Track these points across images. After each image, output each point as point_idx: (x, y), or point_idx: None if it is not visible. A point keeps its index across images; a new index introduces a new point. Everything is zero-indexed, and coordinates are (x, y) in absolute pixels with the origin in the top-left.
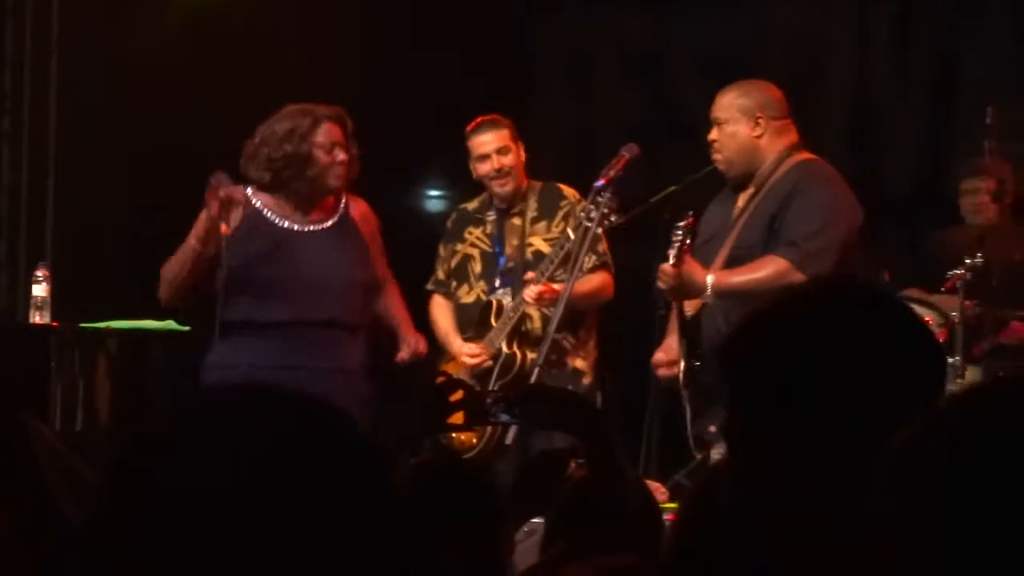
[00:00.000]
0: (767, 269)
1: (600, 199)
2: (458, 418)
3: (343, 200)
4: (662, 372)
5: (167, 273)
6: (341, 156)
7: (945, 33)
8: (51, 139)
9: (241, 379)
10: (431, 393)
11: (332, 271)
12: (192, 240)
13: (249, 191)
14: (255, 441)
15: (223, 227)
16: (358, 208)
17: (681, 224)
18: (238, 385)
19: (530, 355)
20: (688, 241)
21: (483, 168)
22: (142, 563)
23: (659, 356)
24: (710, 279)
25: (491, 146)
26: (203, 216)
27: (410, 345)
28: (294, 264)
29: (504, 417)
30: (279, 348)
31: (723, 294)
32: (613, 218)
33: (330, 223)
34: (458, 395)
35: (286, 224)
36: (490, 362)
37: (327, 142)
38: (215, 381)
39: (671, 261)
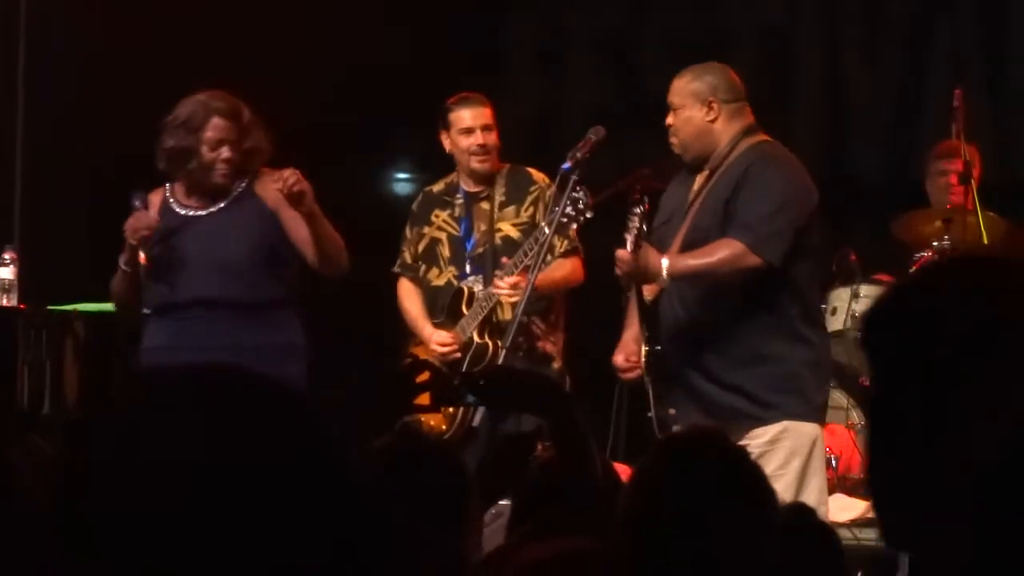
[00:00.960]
0: (721, 252)
1: (576, 194)
2: (425, 399)
3: (253, 176)
4: (627, 376)
5: (114, 296)
6: (226, 154)
7: (914, 17)
8: (18, 121)
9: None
10: (397, 374)
11: (219, 251)
12: (122, 265)
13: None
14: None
15: (142, 258)
16: (265, 180)
17: (636, 209)
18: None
19: (499, 344)
20: (643, 226)
21: (465, 142)
22: (97, 555)
23: (619, 359)
24: (664, 263)
25: (477, 121)
26: (127, 242)
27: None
28: (185, 247)
29: (471, 398)
30: (188, 330)
31: (678, 278)
32: (588, 214)
33: (224, 203)
34: (424, 376)
35: (183, 211)
36: (458, 352)
37: (214, 138)
38: (146, 365)
39: (628, 247)
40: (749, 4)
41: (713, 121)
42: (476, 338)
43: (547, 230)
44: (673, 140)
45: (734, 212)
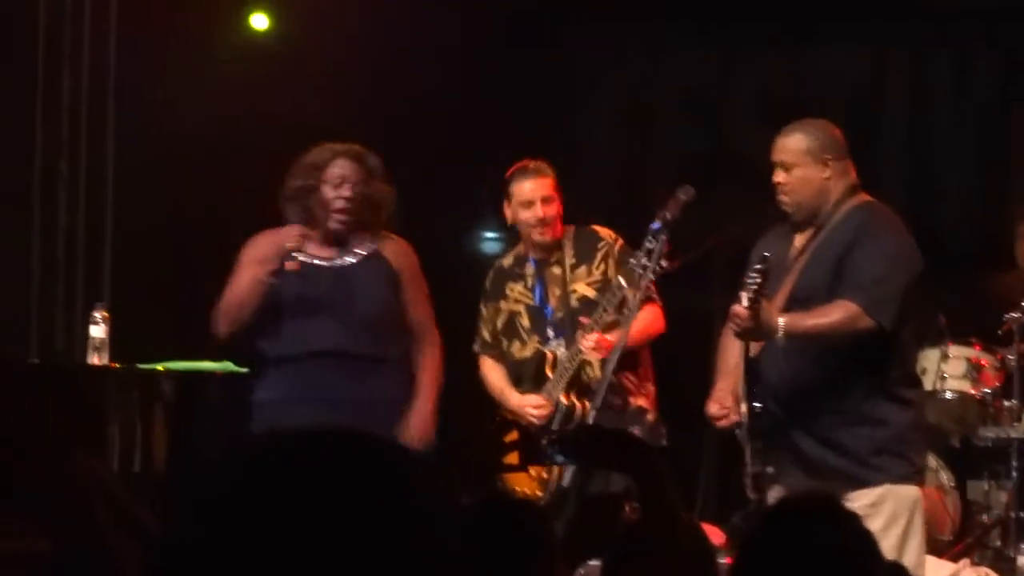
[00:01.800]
0: (837, 314)
1: (651, 243)
2: (514, 458)
3: (380, 238)
4: (720, 424)
5: (227, 306)
6: (346, 192)
7: (1000, 79)
8: (108, 181)
9: (281, 416)
10: (486, 433)
11: (349, 304)
12: (262, 277)
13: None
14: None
15: (290, 264)
16: (393, 247)
17: (757, 266)
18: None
19: (589, 404)
20: (762, 283)
21: (525, 215)
22: None
23: (714, 408)
24: (782, 322)
25: (536, 193)
26: (272, 252)
27: (407, 433)
28: (310, 296)
29: (559, 457)
30: (308, 381)
31: (794, 336)
32: (664, 263)
33: (354, 259)
34: (513, 435)
35: (311, 260)
36: (551, 413)
37: (336, 177)
38: (259, 420)
39: (744, 303)
40: (837, 62)
41: (829, 179)
42: (563, 400)
43: (622, 281)
44: (784, 199)
45: (846, 272)
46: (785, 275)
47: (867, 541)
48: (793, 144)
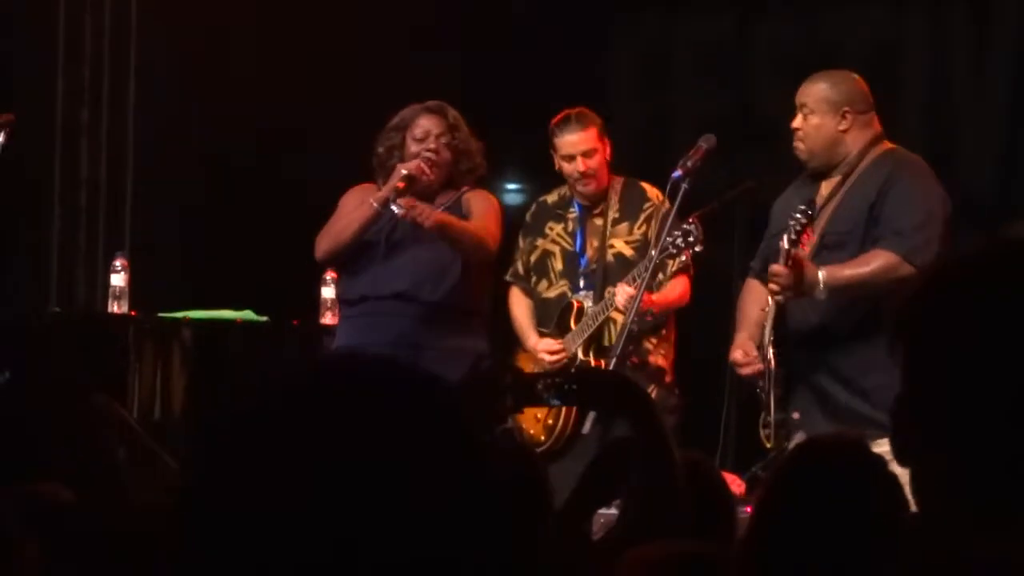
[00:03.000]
0: (877, 262)
1: (687, 226)
2: (509, 400)
3: (462, 191)
4: (744, 371)
5: (330, 228)
6: (431, 144)
7: (1021, 32)
8: (129, 131)
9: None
10: (482, 379)
11: (426, 252)
12: (372, 201)
13: None
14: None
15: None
16: (472, 194)
17: (799, 211)
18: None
19: (603, 364)
20: (806, 226)
21: (568, 168)
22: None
23: (738, 355)
24: (822, 275)
25: (578, 147)
26: (390, 184)
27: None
28: (391, 244)
29: (555, 400)
30: (380, 327)
31: (836, 289)
32: (698, 247)
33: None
34: (507, 378)
35: (397, 209)
36: (566, 359)
37: (420, 133)
38: None
39: (785, 246)
40: (856, 17)
41: (845, 131)
42: (580, 355)
43: (654, 254)
44: (799, 144)
45: (881, 217)
46: (813, 223)
47: (893, 486)
48: (815, 91)
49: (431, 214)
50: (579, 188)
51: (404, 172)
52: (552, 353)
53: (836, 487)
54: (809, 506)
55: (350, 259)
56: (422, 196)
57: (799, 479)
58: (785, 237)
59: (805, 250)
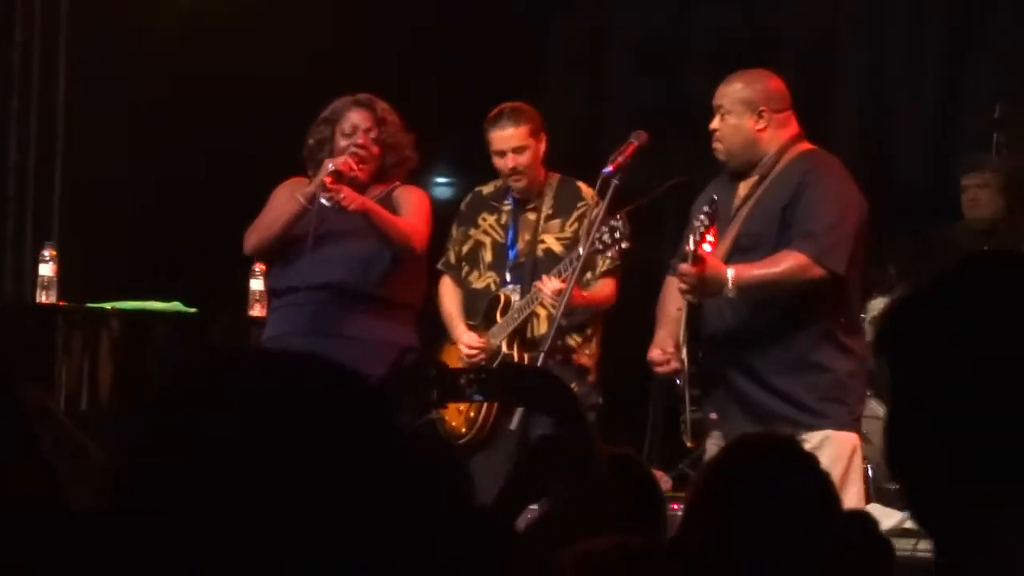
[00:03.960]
0: (787, 263)
1: (614, 222)
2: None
3: (392, 186)
4: (661, 370)
5: (259, 222)
6: (359, 140)
7: (954, 29)
8: (59, 119)
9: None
10: (406, 372)
11: (349, 242)
12: (299, 196)
13: None
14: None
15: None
16: (403, 190)
17: (705, 209)
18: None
19: (527, 358)
20: (709, 226)
21: (498, 163)
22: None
23: (656, 353)
24: (730, 274)
25: (508, 143)
26: (318, 179)
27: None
28: (319, 235)
29: (477, 396)
30: (303, 315)
31: (744, 289)
32: (624, 244)
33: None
34: (430, 372)
35: (326, 202)
36: (484, 356)
37: (349, 127)
38: None
39: (689, 261)
40: (793, 9)
41: (762, 130)
42: (504, 348)
43: (581, 251)
44: (717, 145)
45: (793, 220)
46: (728, 224)
47: (825, 483)
48: (731, 91)
49: (355, 198)
50: (510, 183)
51: (331, 167)
52: (471, 348)
53: (769, 484)
54: (742, 504)
55: (279, 251)
56: (352, 190)
57: (731, 477)
58: (691, 238)
59: (713, 249)
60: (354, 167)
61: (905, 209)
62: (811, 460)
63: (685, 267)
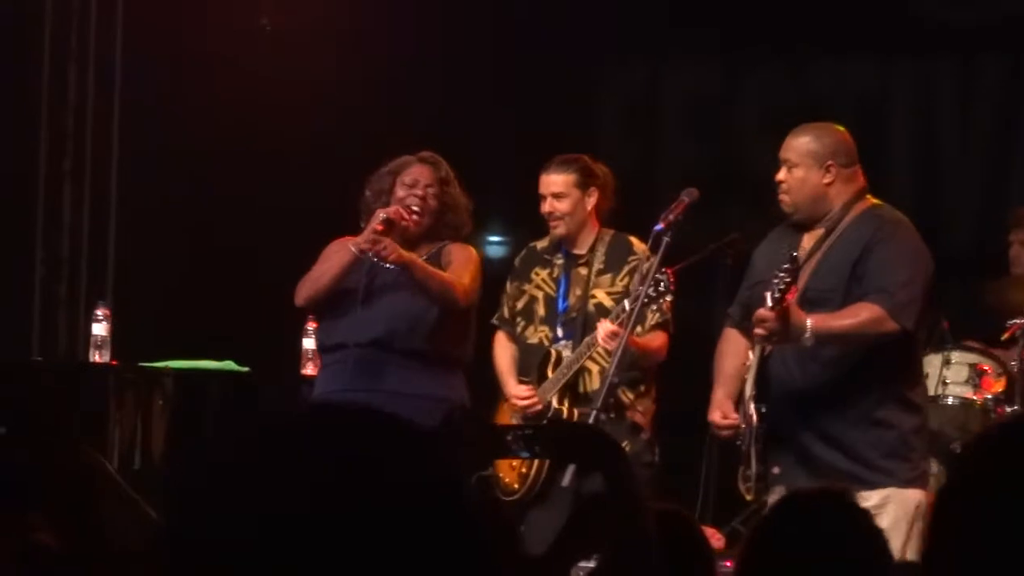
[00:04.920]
0: (864, 315)
1: (659, 276)
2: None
3: (443, 244)
4: (724, 434)
5: (311, 274)
6: (419, 191)
7: (1005, 89)
8: (112, 179)
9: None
10: (456, 427)
11: (404, 301)
12: (350, 246)
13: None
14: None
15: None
16: (453, 247)
17: (786, 266)
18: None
19: (578, 413)
20: (791, 282)
21: (542, 206)
22: None
23: (716, 416)
24: (810, 323)
25: (549, 188)
26: (370, 227)
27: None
28: (373, 293)
29: (524, 453)
30: (351, 371)
31: (822, 338)
32: (668, 297)
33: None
34: (478, 430)
35: (374, 256)
36: (540, 407)
37: (410, 180)
38: None
39: (769, 304)
40: (843, 71)
41: (829, 184)
42: (555, 404)
43: (627, 304)
44: (784, 197)
45: (865, 275)
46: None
47: (878, 538)
48: (799, 144)
49: (395, 249)
50: (552, 230)
51: (383, 216)
52: (523, 399)
53: (820, 539)
54: (793, 559)
55: (329, 306)
56: (403, 245)
57: (782, 532)
58: (769, 295)
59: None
60: (406, 217)
61: (959, 266)
62: (865, 515)
63: (766, 312)
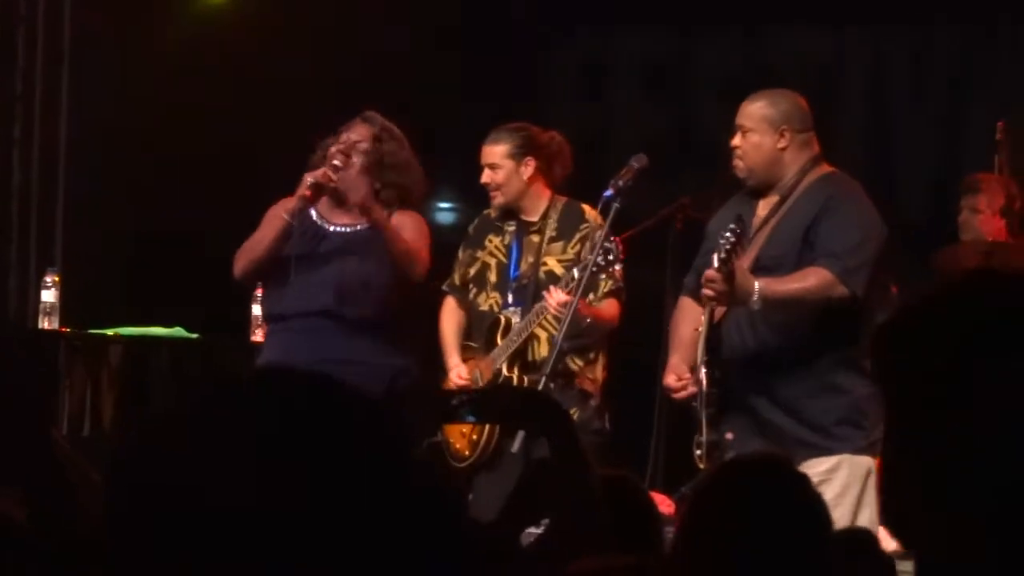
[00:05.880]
0: (813, 279)
1: (608, 244)
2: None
3: (390, 213)
4: (678, 396)
5: (246, 245)
6: (341, 148)
7: (956, 53)
8: (61, 145)
9: None
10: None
11: (343, 267)
12: (282, 212)
13: None
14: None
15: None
16: (402, 217)
17: (731, 227)
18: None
19: (528, 380)
20: (736, 243)
21: (481, 177)
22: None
23: (671, 379)
24: (758, 285)
25: (485, 159)
26: (298, 193)
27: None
28: (313, 258)
29: (470, 417)
30: (298, 341)
31: (770, 302)
32: (617, 265)
33: (362, 226)
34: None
35: (322, 223)
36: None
37: (344, 138)
38: None
39: (715, 264)
40: (796, 39)
41: (783, 149)
42: (505, 371)
43: (575, 272)
44: (738, 163)
45: (816, 241)
46: (748, 243)
47: (815, 503)
48: (754, 109)
49: (363, 190)
50: (491, 198)
51: (310, 180)
52: (461, 379)
53: (758, 506)
54: (731, 523)
55: (275, 274)
56: (341, 208)
57: (722, 496)
58: (715, 255)
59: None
60: (333, 177)
61: (909, 233)
62: (804, 481)
63: (711, 272)
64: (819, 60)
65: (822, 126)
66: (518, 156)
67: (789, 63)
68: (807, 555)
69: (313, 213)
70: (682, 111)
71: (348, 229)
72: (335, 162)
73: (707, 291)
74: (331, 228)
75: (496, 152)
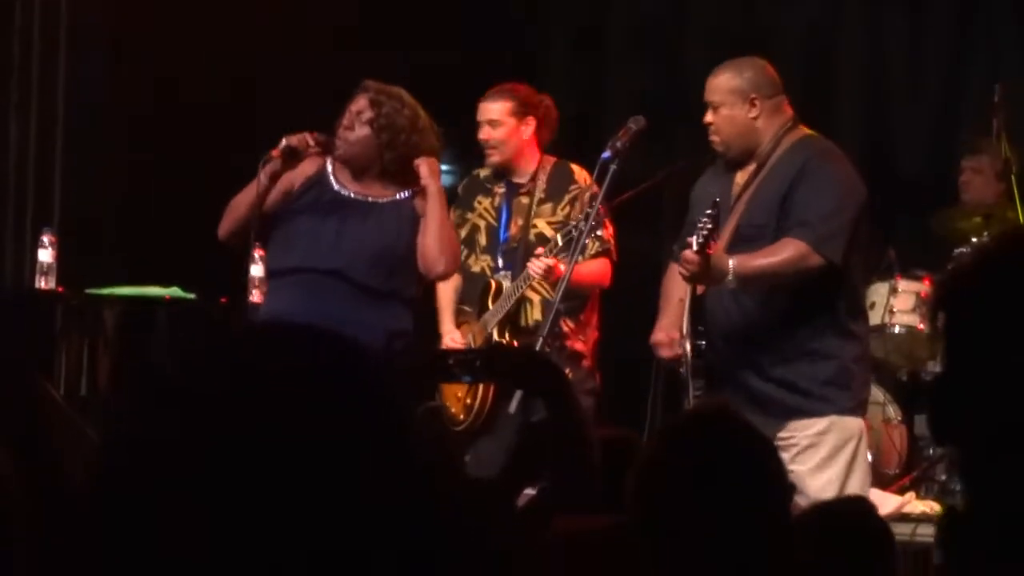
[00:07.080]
0: (786, 252)
1: (590, 210)
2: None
3: (419, 189)
4: (664, 352)
5: (231, 205)
6: (345, 121)
7: (954, 15)
8: (59, 107)
9: None
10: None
11: (364, 235)
12: (262, 177)
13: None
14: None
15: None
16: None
17: (708, 212)
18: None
19: (520, 344)
20: (713, 228)
21: (479, 134)
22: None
23: (660, 336)
24: (732, 263)
25: (484, 115)
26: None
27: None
28: (329, 224)
29: (466, 377)
30: (303, 296)
31: (745, 278)
32: (599, 232)
33: (385, 200)
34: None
35: (338, 188)
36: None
37: (348, 112)
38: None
39: (694, 247)
40: (794, 4)
41: (755, 119)
42: (496, 336)
43: (560, 240)
44: (714, 138)
45: (792, 209)
46: (728, 213)
47: (767, 449)
48: (720, 83)
49: (437, 179)
50: (486, 156)
51: (284, 143)
52: (456, 344)
53: (700, 455)
54: (676, 474)
55: (278, 233)
56: (355, 173)
57: (674, 449)
58: (693, 239)
59: (718, 243)
60: (310, 143)
61: (907, 196)
62: (748, 426)
63: (689, 254)
64: (815, 20)
65: (819, 87)
66: (520, 115)
67: (785, 24)
68: (757, 506)
69: (333, 181)
70: (676, 73)
71: (369, 199)
72: (317, 135)
73: (683, 271)
74: (351, 195)
75: (498, 109)
